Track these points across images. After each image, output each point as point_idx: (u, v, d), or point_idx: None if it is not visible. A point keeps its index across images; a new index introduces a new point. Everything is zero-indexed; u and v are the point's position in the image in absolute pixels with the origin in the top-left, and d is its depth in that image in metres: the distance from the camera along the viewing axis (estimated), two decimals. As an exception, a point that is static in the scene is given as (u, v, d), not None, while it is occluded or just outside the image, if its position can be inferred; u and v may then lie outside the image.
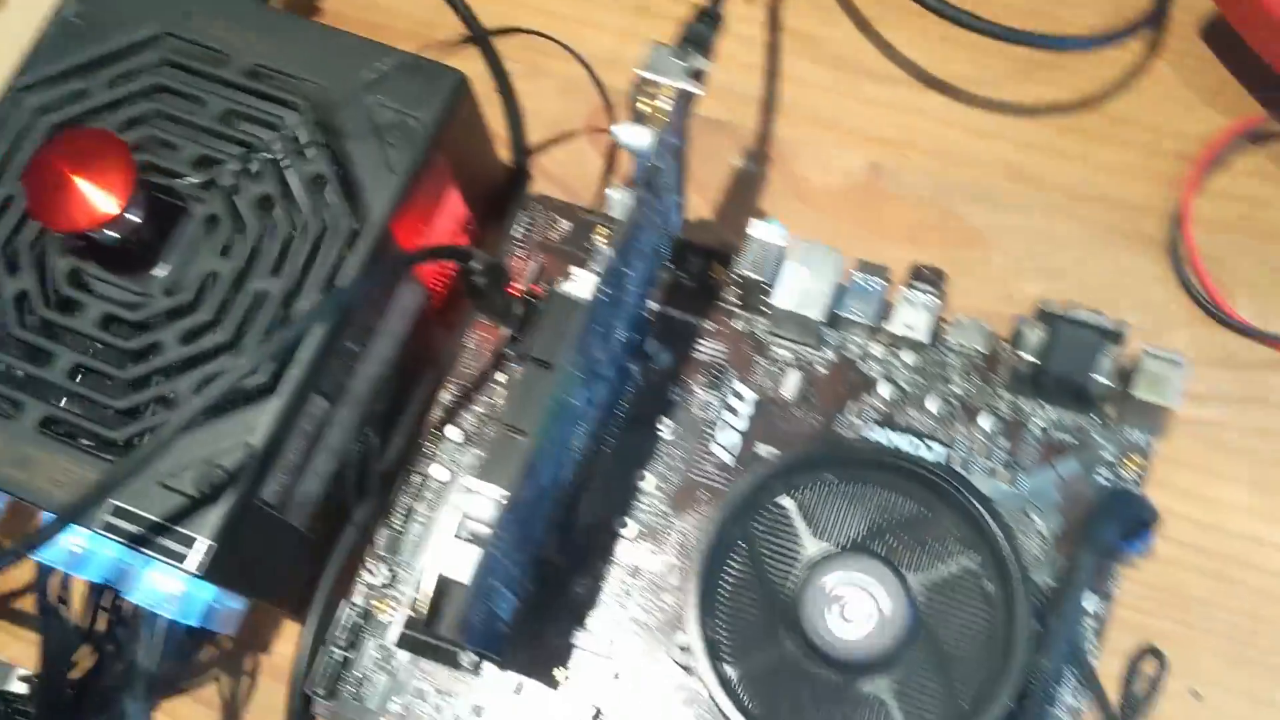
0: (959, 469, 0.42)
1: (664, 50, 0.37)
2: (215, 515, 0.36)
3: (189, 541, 0.36)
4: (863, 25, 0.50)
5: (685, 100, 0.37)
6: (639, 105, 0.37)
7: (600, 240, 0.47)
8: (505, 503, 0.33)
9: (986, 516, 0.38)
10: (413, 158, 0.40)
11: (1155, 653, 0.38)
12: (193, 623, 0.38)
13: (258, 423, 0.37)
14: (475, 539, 0.33)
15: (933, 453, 0.41)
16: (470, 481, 0.33)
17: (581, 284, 0.34)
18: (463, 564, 0.32)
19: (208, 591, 0.38)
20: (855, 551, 0.38)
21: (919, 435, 0.41)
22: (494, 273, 0.40)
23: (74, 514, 0.34)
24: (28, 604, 0.45)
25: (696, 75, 0.37)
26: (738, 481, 0.40)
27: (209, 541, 0.36)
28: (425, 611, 0.34)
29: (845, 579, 0.38)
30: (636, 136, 0.35)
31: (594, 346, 0.37)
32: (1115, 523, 0.37)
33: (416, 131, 0.40)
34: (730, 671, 0.39)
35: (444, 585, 0.33)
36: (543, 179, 0.49)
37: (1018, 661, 0.36)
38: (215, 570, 0.36)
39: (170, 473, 0.37)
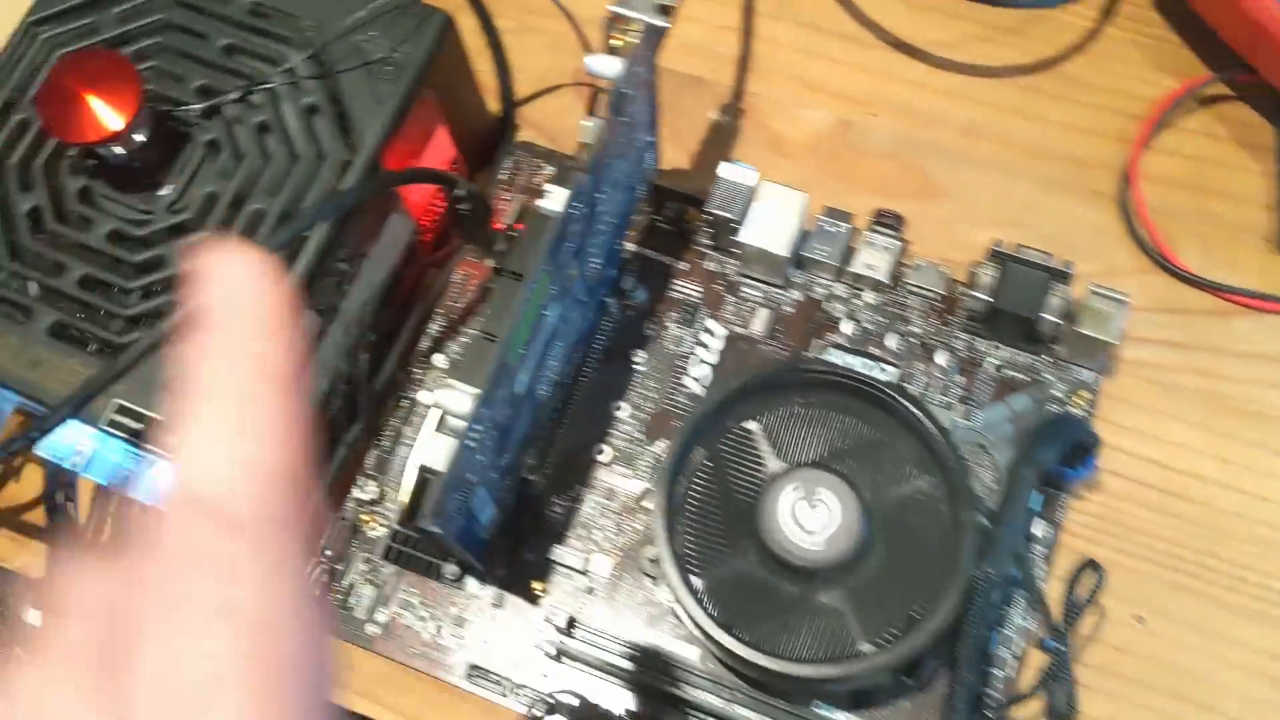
0: (909, 388, 0.44)
1: (636, -13, 0.39)
2: (211, 416, 0.39)
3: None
4: (835, -10, 0.53)
5: (653, 34, 0.39)
6: (611, 39, 0.40)
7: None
8: (478, 397, 0.35)
9: (934, 432, 0.40)
10: (401, 91, 0.42)
11: (1094, 565, 0.40)
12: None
13: (253, 332, 0.40)
14: (452, 431, 0.35)
15: (886, 374, 0.43)
16: (451, 380, 0.36)
17: (555, 199, 0.37)
18: (439, 454, 0.35)
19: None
20: (808, 466, 0.41)
21: (872, 358, 0.43)
22: (476, 201, 0.43)
23: (77, 404, 0.36)
24: (36, 516, 0.47)
25: (664, 10, 0.39)
26: (703, 400, 0.42)
27: (204, 440, 0.38)
28: (406, 505, 0.36)
29: (803, 491, 0.40)
30: (607, 65, 0.38)
31: (566, 262, 0.40)
32: (1056, 442, 0.40)
33: (404, 67, 0.43)
34: (696, 582, 0.41)
35: (423, 477, 0.35)
36: (529, 129, 0.52)
37: (963, 568, 0.38)
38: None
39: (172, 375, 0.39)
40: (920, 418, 0.41)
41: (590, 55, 0.38)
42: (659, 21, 0.39)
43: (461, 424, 0.35)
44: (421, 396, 0.47)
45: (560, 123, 0.52)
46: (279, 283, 0.24)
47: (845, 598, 0.40)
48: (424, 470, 0.35)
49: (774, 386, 0.43)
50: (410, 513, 0.36)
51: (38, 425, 0.36)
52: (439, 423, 0.36)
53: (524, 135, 0.52)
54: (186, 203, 0.41)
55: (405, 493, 0.36)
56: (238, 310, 0.23)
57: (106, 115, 0.39)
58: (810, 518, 0.40)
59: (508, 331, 0.36)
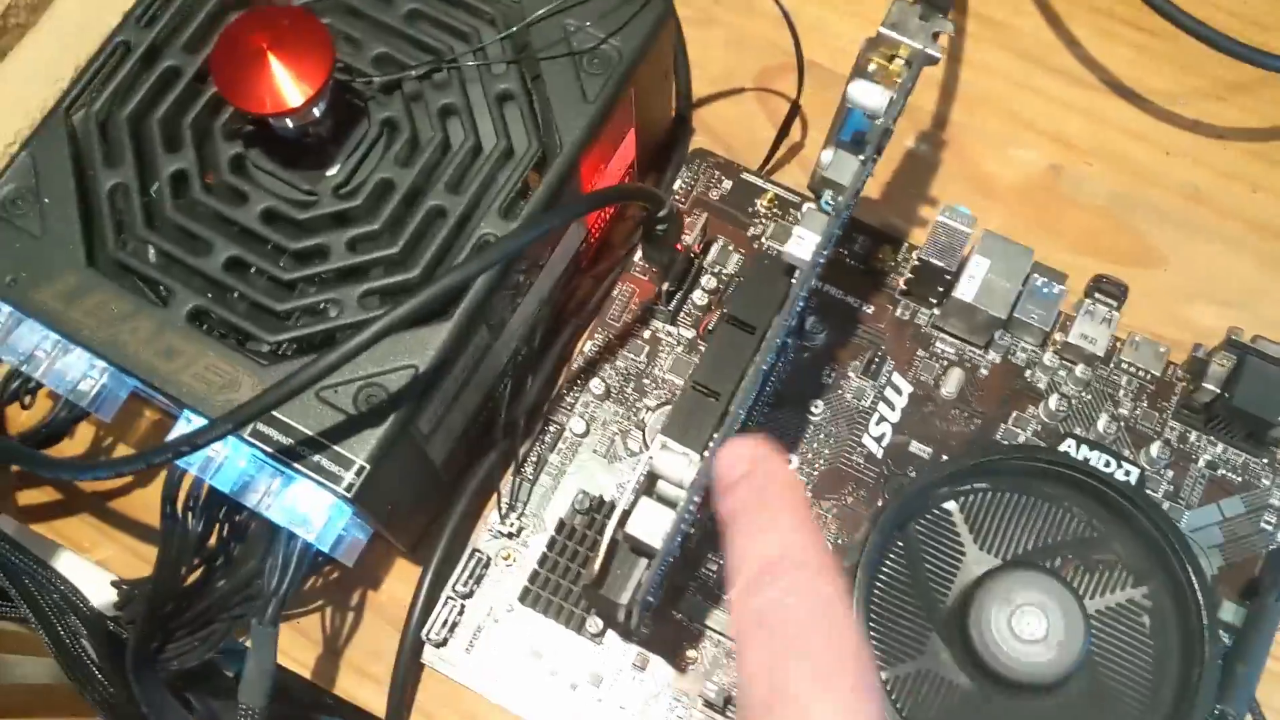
0: (1150, 493, 0.40)
1: (907, 8, 0.34)
2: (373, 437, 0.34)
3: (346, 462, 0.34)
4: (1053, 20, 0.48)
5: (922, 64, 0.34)
6: (870, 63, 0.35)
7: (764, 206, 0.45)
8: (700, 466, 0.30)
9: (1176, 546, 0.36)
10: (610, 88, 0.38)
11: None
12: (325, 548, 0.35)
13: (428, 345, 0.35)
14: (668, 502, 0.30)
15: (1127, 474, 0.39)
16: (667, 439, 0.31)
17: (803, 245, 0.32)
18: (654, 527, 0.30)
19: (344, 517, 0.35)
20: (1031, 567, 0.36)
21: (1114, 455, 0.39)
22: (675, 223, 0.38)
23: (240, 422, 0.31)
24: (125, 506, 0.43)
25: (935, 38, 0.34)
26: (915, 479, 0.37)
27: (365, 464, 0.34)
28: (595, 571, 0.31)
29: (1024, 595, 0.36)
30: (871, 95, 0.33)
31: (794, 314, 0.35)
32: (1309, 571, 0.35)
33: (615, 60, 0.38)
34: (882, 675, 0.37)
35: (621, 547, 0.31)
36: (704, 134, 0.47)
37: (1201, 705, 0.34)
38: (364, 495, 0.34)
39: (331, 387, 0.34)
40: (1160, 527, 0.36)
41: (855, 82, 0.33)
42: (932, 51, 0.34)
43: (680, 493, 0.30)
44: (572, 424, 0.42)
45: (738, 130, 0.47)
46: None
47: (1045, 712, 0.36)
48: (626, 541, 0.31)
49: (986, 469, 0.38)
50: (600, 580, 0.31)
51: (193, 439, 0.31)
52: (651, 487, 0.31)
53: (698, 141, 0.47)
54: (355, 187, 0.36)
55: (599, 557, 0.31)
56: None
57: (289, 86, 0.34)
58: (1030, 626, 0.35)
59: (736, 392, 0.31)
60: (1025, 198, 0.46)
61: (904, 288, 0.43)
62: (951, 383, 0.43)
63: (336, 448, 0.34)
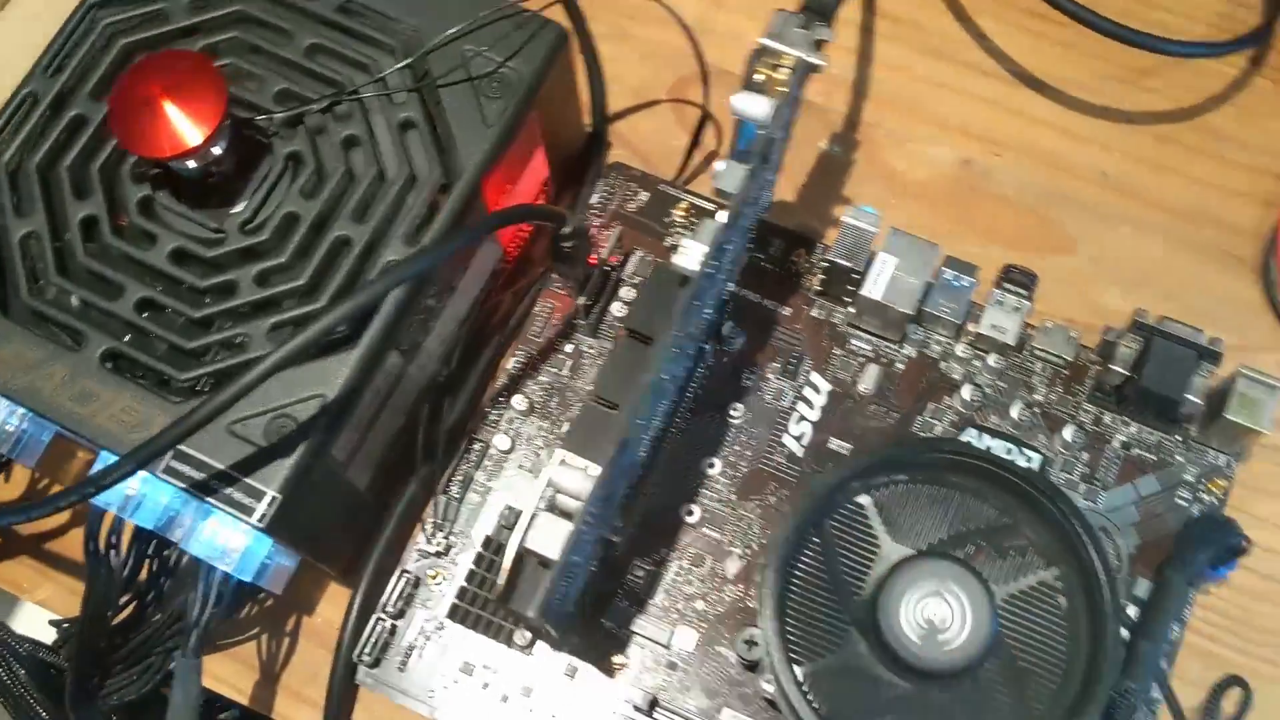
0: (1050, 477, 0.41)
1: (789, 17, 0.35)
2: (284, 468, 0.35)
3: (257, 494, 0.34)
4: (961, 16, 0.49)
5: (805, 71, 0.35)
6: (756, 73, 0.36)
7: (679, 216, 0.45)
8: (601, 480, 0.31)
9: (1079, 530, 0.36)
10: (510, 112, 0.38)
11: (1239, 682, 0.36)
12: (247, 578, 0.36)
13: (335, 374, 0.36)
14: (566, 514, 0.31)
15: (1029, 460, 0.39)
16: (565, 454, 0.32)
17: (690, 256, 0.33)
18: (552, 540, 0.31)
19: (264, 546, 0.36)
20: (939, 556, 0.37)
21: (1016, 442, 0.40)
22: (582, 239, 0.39)
23: (144, 459, 0.32)
24: (61, 546, 0.43)
25: (819, 46, 0.35)
26: (824, 475, 0.38)
27: (276, 494, 0.34)
28: (503, 585, 0.32)
29: (930, 584, 0.36)
30: (755, 105, 0.34)
31: (691, 323, 0.36)
32: (1208, 547, 0.36)
33: (515, 84, 0.39)
34: (796, 670, 0.38)
35: (528, 560, 0.31)
36: (621, 147, 0.48)
37: (1105, 682, 0.35)
38: (279, 525, 0.35)
39: (241, 420, 0.35)
40: (1063, 511, 0.37)
41: (738, 94, 0.34)
42: (814, 59, 0.35)
43: (578, 505, 0.31)
44: (496, 440, 0.43)
45: (655, 142, 0.48)
46: None
47: (961, 698, 0.37)
48: (530, 555, 0.31)
49: (896, 463, 0.39)
50: (507, 594, 0.32)
51: (98, 479, 0.32)
52: (550, 502, 0.32)
53: (615, 154, 0.48)
54: (262, 222, 0.37)
55: (504, 571, 0.32)
56: None
57: (184, 127, 0.34)
58: (937, 614, 0.36)
59: (632, 405, 0.32)
60: (937, 193, 0.47)
61: (818, 288, 0.44)
62: (868, 379, 0.43)
63: (248, 480, 0.35)
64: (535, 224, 0.44)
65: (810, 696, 0.37)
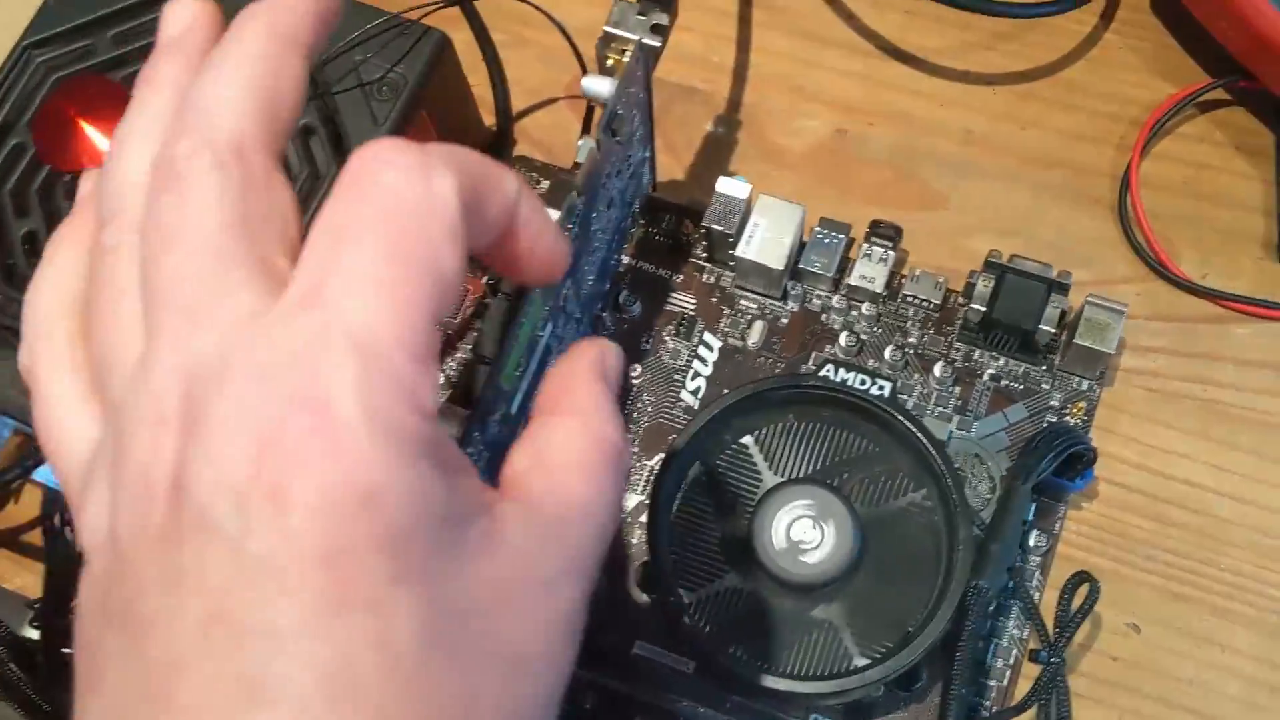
0: (901, 402, 0.44)
1: (627, 6, 0.39)
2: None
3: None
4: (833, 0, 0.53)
5: (646, 53, 0.39)
6: (607, 58, 0.40)
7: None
8: (467, 419, 0.35)
9: (927, 445, 0.40)
10: (396, 111, 0.43)
11: (1086, 577, 0.40)
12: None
13: (248, 355, 0.40)
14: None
15: (879, 388, 0.43)
16: (445, 406, 0.36)
17: (548, 221, 0.37)
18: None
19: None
20: (802, 481, 0.41)
21: (867, 373, 0.43)
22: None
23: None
24: (35, 537, 0.48)
25: (657, 30, 0.39)
26: (694, 418, 0.42)
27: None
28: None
29: (796, 507, 0.40)
30: (600, 85, 0.38)
31: (561, 280, 0.40)
32: (1049, 453, 0.39)
33: (400, 87, 0.43)
34: (689, 597, 0.41)
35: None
36: (526, 142, 0.52)
37: (956, 582, 0.38)
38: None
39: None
40: (914, 431, 0.41)
41: (586, 76, 0.38)
42: (652, 41, 0.39)
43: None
44: (419, 412, 0.47)
45: (557, 136, 0.52)
46: None
47: (840, 612, 0.41)
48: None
49: (770, 402, 0.43)
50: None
51: (33, 453, 0.36)
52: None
53: (521, 149, 0.52)
54: (182, 225, 0.42)
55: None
56: None
57: (100, 140, 0.39)
58: (804, 533, 0.40)
59: (501, 355, 0.36)
60: (815, 162, 0.50)
61: (704, 255, 0.48)
62: (755, 334, 0.47)
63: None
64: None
65: (702, 620, 0.41)
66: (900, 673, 0.38)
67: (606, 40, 0.40)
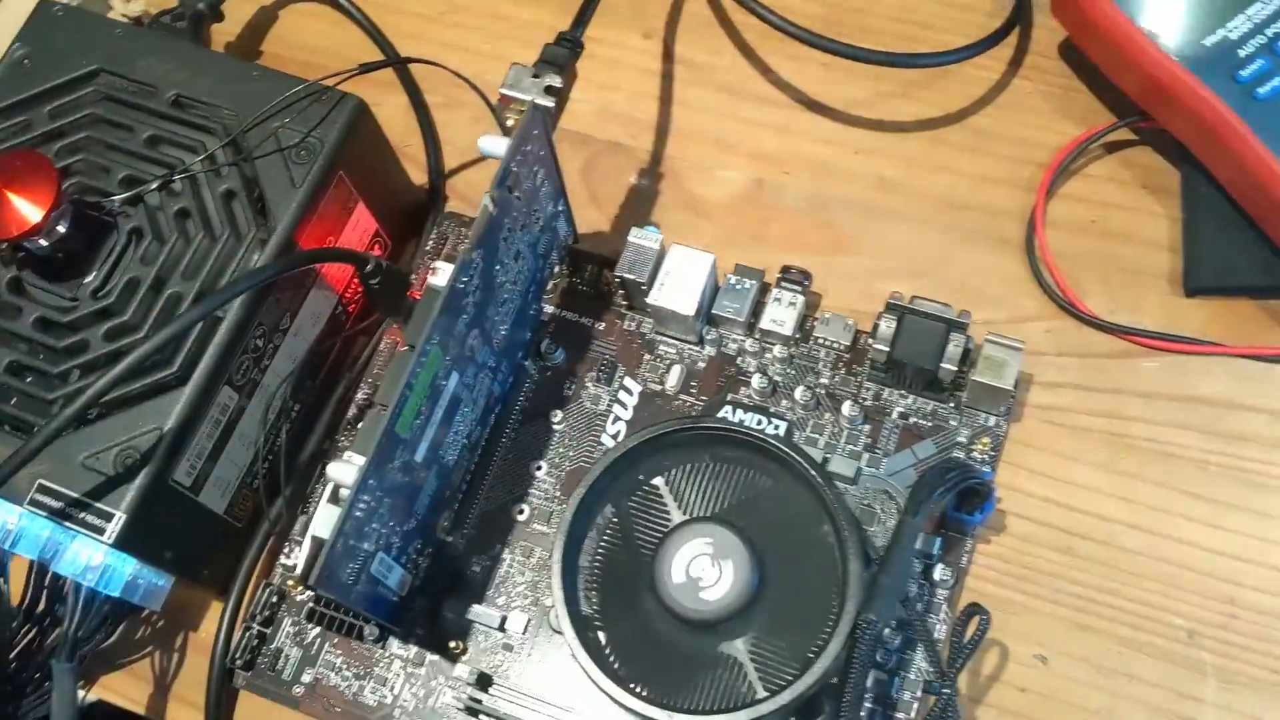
0: (811, 440, 0.45)
1: (522, 70, 0.41)
2: (130, 491, 0.41)
3: (107, 515, 0.41)
4: (747, 53, 0.55)
5: (541, 113, 0.41)
6: (508, 119, 0.42)
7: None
8: (362, 468, 0.37)
9: (818, 481, 0.41)
10: (314, 173, 0.45)
11: (978, 609, 0.41)
12: (114, 593, 0.42)
13: (170, 410, 0.42)
14: (339, 502, 0.37)
15: (775, 427, 0.44)
16: (349, 453, 0.38)
17: (441, 274, 0.39)
18: (325, 521, 0.36)
19: (128, 564, 0.42)
20: (704, 520, 0.42)
21: (765, 413, 0.45)
22: (389, 275, 0.45)
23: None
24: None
25: (550, 90, 0.41)
26: (596, 463, 0.43)
27: (123, 515, 0.40)
28: (302, 569, 0.38)
29: (696, 545, 0.41)
30: (493, 145, 0.40)
31: (462, 332, 0.41)
32: (940, 486, 0.40)
33: (317, 150, 0.45)
34: (602, 637, 0.43)
35: (315, 544, 0.37)
36: (457, 199, 0.54)
37: (848, 614, 0.39)
38: (131, 542, 0.41)
39: (93, 455, 0.41)
40: (805, 467, 0.42)
41: (482, 137, 0.40)
42: (545, 101, 0.41)
43: (347, 492, 0.37)
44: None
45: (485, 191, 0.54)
46: None
47: (742, 647, 0.42)
48: (314, 539, 0.37)
49: (675, 444, 0.44)
50: (304, 575, 0.38)
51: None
52: (332, 493, 0.37)
53: (453, 206, 0.54)
54: (110, 289, 0.44)
55: (302, 559, 0.37)
56: None
57: (26, 210, 0.41)
58: (703, 571, 0.41)
59: (394, 402, 0.38)
60: (733, 212, 0.52)
61: (624, 302, 0.50)
62: (674, 378, 0.49)
63: (99, 504, 0.41)
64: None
65: (614, 660, 0.42)
66: (793, 704, 0.39)
67: (505, 102, 0.42)
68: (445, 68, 0.51)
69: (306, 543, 0.38)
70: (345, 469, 0.37)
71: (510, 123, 0.42)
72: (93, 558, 0.41)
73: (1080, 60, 0.52)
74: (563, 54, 0.42)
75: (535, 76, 0.41)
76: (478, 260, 0.40)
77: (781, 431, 0.44)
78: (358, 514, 0.37)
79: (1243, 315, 0.48)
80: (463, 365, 0.43)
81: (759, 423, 0.45)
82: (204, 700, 0.46)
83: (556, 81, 0.41)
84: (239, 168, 0.45)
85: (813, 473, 0.41)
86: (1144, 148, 0.51)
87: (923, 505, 0.41)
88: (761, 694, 0.41)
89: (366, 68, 0.48)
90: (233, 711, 0.47)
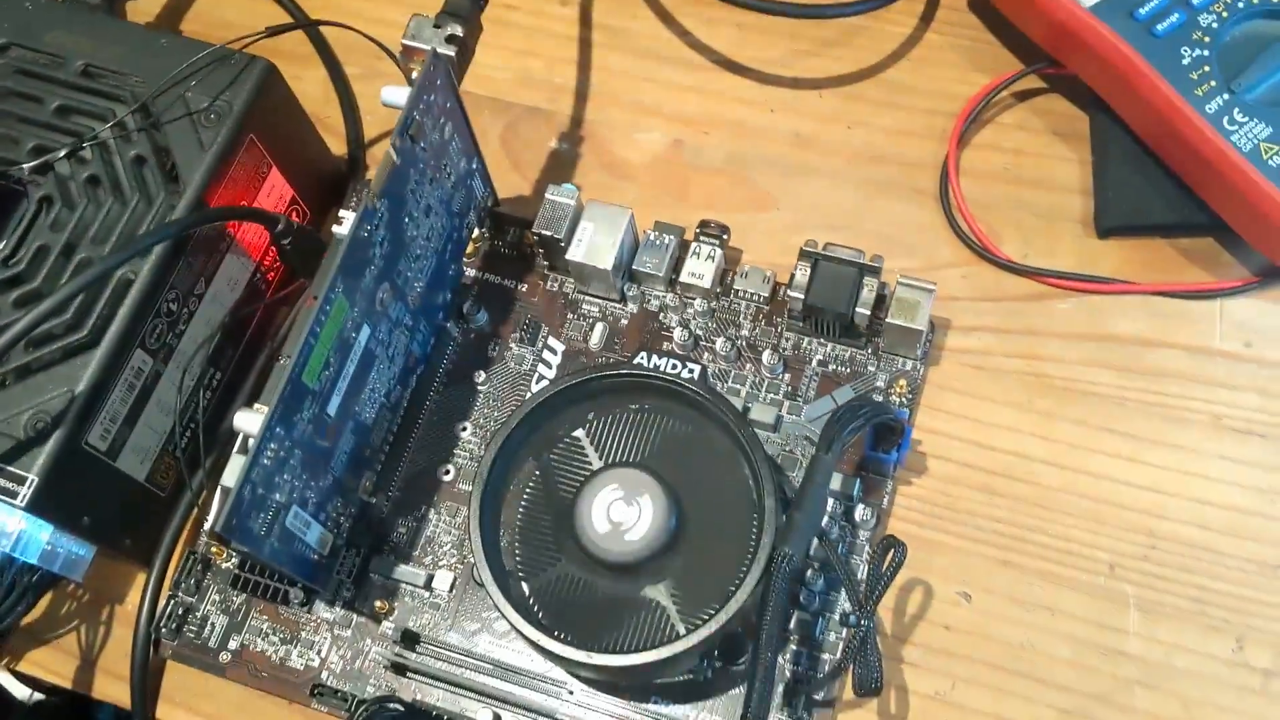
0: (732, 390, 0.46)
1: (423, 20, 0.41)
2: (42, 455, 0.40)
3: (20, 479, 0.40)
4: (665, 17, 0.55)
5: (443, 62, 0.41)
6: (411, 70, 0.42)
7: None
8: (269, 414, 0.37)
9: (730, 419, 0.41)
10: (223, 137, 0.45)
11: (894, 542, 0.41)
12: (31, 559, 0.42)
13: (82, 373, 0.41)
14: (246, 450, 0.37)
15: (690, 371, 0.45)
16: (257, 404, 0.37)
17: (345, 223, 0.39)
18: (233, 471, 0.36)
19: (44, 529, 0.42)
20: (622, 465, 0.42)
21: (678, 359, 0.45)
22: (300, 235, 0.45)
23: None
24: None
25: (452, 40, 0.41)
26: (514, 413, 0.43)
27: (35, 478, 0.40)
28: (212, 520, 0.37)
29: (615, 490, 0.41)
30: (395, 95, 0.40)
31: (370, 285, 0.41)
32: (852, 421, 0.41)
33: (225, 114, 0.45)
34: (524, 588, 0.42)
35: (224, 494, 0.37)
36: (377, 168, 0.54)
37: (764, 549, 0.40)
38: (44, 506, 0.40)
39: (4, 420, 0.41)
40: (718, 407, 0.42)
41: (386, 88, 0.40)
42: (446, 50, 0.41)
43: (252, 441, 0.37)
44: (272, 429, 0.48)
45: (408, 161, 0.54)
46: None
47: (665, 590, 0.42)
48: (223, 489, 0.37)
49: (589, 394, 0.44)
50: (213, 525, 0.37)
51: None
52: (241, 443, 0.37)
53: (372, 175, 0.54)
54: (20, 257, 0.43)
55: (213, 512, 0.37)
56: None
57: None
58: (621, 514, 0.41)
59: (298, 350, 0.38)
60: (655, 172, 0.52)
61: (544, 262, 0.50)
62: (597, 335, 0.49)
63: (11, 468, 0.40)
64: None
65: (537, 609, 0.42)
66: (712, 640, 0.39)
67: (408, 54, 0.42)
68: (354, 29, 0.51)
69: (217, 495, 0.37)
70: (250, 417, 0.37)
71: (415, 74, 0.42)
72: (6, 523, 0.41)
73: (990, 12, 0.53)
74: (465, 5, 0.42)
75: (437, 26, 0.41)
76: (383, 210, 0.40)
77: (695, 375, 0.44)
78: (265, 462, 0.37)
79: (1155, 254, 0.49)
80: (374, 319, 0.43)
81: (674, 367, 0.45)
82: (129, 671, 0.45)
83: (459, 30, 0.41)
84: (148, 133, 0.45)
85: (725, 411, 0.41)
86: (1054, 95, 0.52)
87: (835, 440, 0.41)
88: (683, 632, 0.41)
89: (273, 30, 0.48)
90: (160, 682, 0.46)
